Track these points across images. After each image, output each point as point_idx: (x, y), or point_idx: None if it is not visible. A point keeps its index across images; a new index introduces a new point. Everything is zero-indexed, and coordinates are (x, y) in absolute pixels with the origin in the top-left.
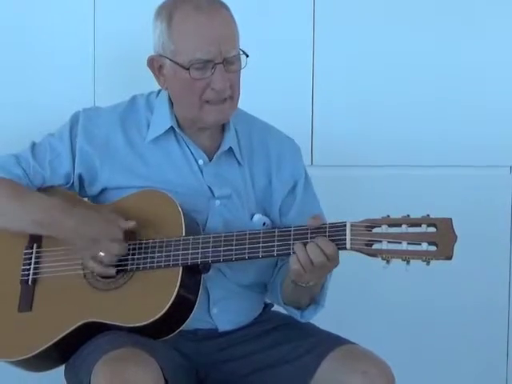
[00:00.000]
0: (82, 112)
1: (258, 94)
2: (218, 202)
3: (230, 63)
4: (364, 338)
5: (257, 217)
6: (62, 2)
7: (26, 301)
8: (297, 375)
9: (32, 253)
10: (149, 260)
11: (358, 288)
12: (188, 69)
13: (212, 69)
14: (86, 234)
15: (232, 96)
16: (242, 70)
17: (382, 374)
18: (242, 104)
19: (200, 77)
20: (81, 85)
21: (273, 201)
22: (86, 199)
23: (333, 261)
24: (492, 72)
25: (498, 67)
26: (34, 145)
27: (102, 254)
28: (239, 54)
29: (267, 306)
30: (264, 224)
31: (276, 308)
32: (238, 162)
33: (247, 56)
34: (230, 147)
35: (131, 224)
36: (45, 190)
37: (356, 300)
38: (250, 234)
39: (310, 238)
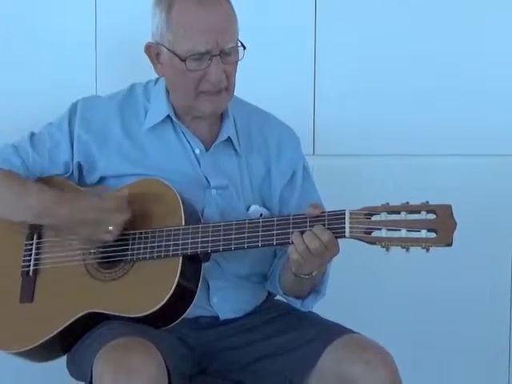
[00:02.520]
0: (81, 101)
1: (260, 84)
2: (214, 191)
3: (227, 54)
4: (366, 327)
5: (253, 208)
6: None
7: (27, 292)
8: (299, 364)
9: (32, 244)
10: (148, 250)
11: (361, 277)
12: (184, 60)
13: (209, 60)
14: (85, 219)
15: (228, 87)
16: (242, 61)
17: (385, 364)
18: (244, 94)
19: (196, 68)
20: (82, 74)
21: (272, 190)
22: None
23: (331, 248)
24: (493, 60)
25: (499, 56)
26: (32, 135)
27: (111, 228)
28: (237, 45)
29: (270, 295)
30: (261, 215)
31: (279, 297)
32: (236, 151)
33: (245, 48)
34: (229, 137)
35: (124, 192)
36: (44, 180)
37: (358, 289)
38: (249, 223)
39: (309, 226)
